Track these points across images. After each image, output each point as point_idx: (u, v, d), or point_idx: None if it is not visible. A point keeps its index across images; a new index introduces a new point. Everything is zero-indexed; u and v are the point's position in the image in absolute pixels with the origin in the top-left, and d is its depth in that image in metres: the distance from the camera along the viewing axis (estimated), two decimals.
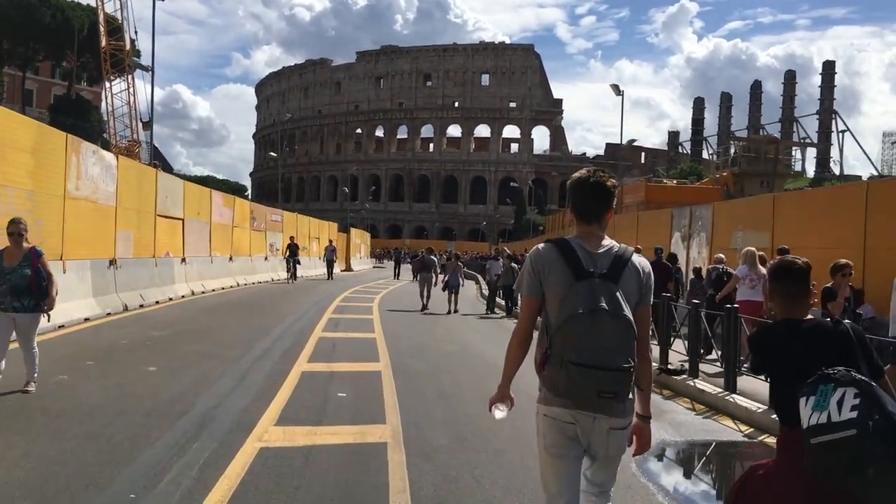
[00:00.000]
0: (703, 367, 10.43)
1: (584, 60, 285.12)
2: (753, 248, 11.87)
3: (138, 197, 18.25)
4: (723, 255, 13.79)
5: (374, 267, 61.71)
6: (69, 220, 14.02)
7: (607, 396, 2.91)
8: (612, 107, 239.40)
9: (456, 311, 20.83)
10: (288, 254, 31.19)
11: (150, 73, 32.04)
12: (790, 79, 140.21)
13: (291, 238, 32.25)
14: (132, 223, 17.75)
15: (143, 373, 9.03)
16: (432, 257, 23.35)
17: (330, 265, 36.39)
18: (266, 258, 32.28)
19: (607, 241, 3.16)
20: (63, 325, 12.61)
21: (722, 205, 20.14)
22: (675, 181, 54.03)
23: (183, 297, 20.00)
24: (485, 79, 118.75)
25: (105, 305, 14.99)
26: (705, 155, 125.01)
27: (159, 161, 70.42)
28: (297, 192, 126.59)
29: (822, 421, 2.63)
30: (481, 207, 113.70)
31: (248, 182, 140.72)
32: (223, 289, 24.12)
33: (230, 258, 26.86)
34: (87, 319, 13.73)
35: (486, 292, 26.96)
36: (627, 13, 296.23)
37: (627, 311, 2.96)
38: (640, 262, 3.16)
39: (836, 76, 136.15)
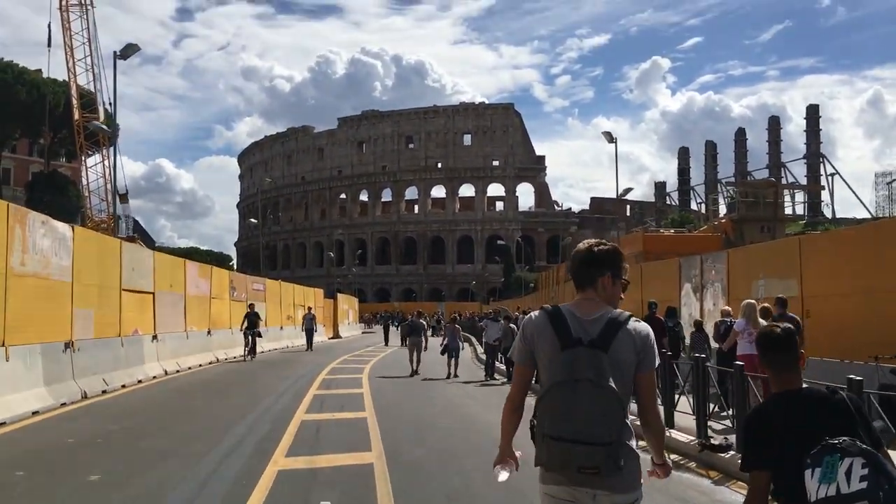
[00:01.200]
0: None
1: (561, 118, 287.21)
2: (753, 301, 11.66)
3: (99, 271, 16.57)
4: (730, 308, 13.56)
5: (363, 332, 59.95)
6: (13, 299, 12.29)
7: (589, 472, 2.74)
8: (593, 162, 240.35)
9: (456, 376, 20.26)
10: (245, 325, 26.29)
11: (114, 136, 30.57)
12: (774, 125, 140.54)
13: (251, 306, 27.42)
14: (92, 300, 16.02)
15: (81, 485, 7.34)
16: (421, 321, 23.86)
17: (309, 335, 33.32)
18: None
19: (603, 308, 3.02)
20: (4, 423, 10.89)
21: (738, 251, 18.70)
22: (671, 230, 52.86)
23: (154, 377, 18.22)
24: (467, 139, 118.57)
25: (59, 395, 13.19)
26: (693, 205, 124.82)
27: (139, 234, 69.13)
28: (283, 259, 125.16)
29: (830, 493, 2.52)
30: (469, 267, 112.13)
31: (233, 252, 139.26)
32: (200, 366, 22.31)
33: (208, 332, 25.05)
34: (35, 413, 11.95)
35: (482, 356, 25.53)
36: (601, 71, 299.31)
37: (613, 382, 2.80)
38: (636, 326, 3.00)
39: (820, 120, 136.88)
